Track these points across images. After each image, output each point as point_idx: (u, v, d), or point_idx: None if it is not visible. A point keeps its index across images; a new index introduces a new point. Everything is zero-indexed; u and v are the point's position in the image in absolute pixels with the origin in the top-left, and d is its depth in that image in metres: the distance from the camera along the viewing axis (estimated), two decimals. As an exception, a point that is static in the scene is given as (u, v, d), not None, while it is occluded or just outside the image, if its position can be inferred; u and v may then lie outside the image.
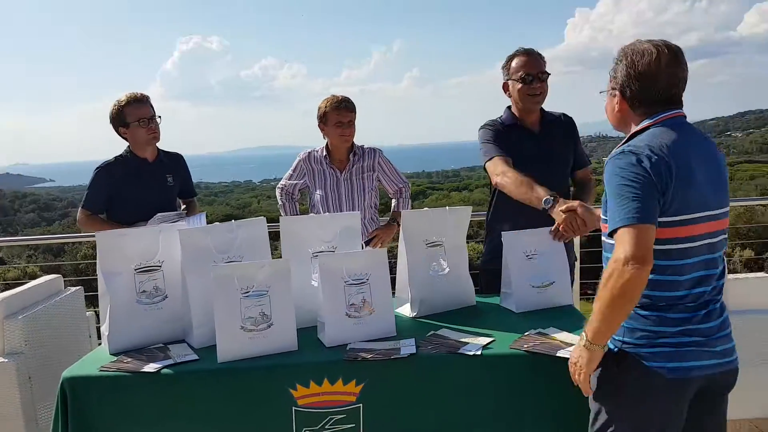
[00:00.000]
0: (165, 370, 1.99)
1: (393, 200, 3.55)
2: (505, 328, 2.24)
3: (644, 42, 1.77)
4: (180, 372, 2.00)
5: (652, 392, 1.69)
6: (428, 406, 2.01)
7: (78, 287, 3.35)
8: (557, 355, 1.97)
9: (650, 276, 1.61)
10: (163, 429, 1.99)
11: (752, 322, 2.92)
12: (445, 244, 2.47)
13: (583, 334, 1.72)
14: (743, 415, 2.96)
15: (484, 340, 2.11)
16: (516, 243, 2.49)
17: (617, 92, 1.80)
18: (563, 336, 2.13)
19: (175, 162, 3.30)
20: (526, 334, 2.16)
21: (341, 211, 3.26)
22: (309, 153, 3.41)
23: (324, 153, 3.34)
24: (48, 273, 3.35)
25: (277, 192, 3.55)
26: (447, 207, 2.50)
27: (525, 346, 2.05)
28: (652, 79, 1.73)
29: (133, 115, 3.03)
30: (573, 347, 1.83)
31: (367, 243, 3.34)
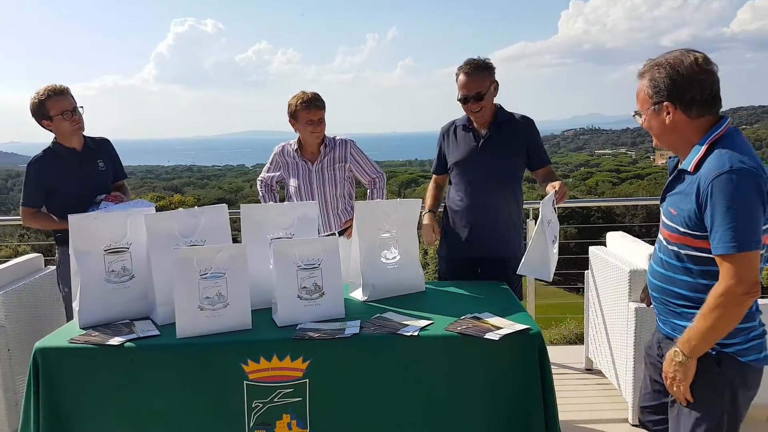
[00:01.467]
0: (128, 344, 2.18)
1: (368, 191, 3.67)
2: (446, 312, 2.42)
3: (670, 53, 1.83)
4: (141, 346, 2.18)
5: (747, 384, 1.83)
6: (369, 382, 2.19)
7: (52, 268, 3.51)
8: (485, 337, 2.16)
9: None
10: (125, 398, 2.17)
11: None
12: (396, 233, 2.65)
13: (677, 350, 1.79)
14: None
15: (423, 323, 2.29)
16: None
17: (666, 103, 1.80)
18: (495, 320, 2.32)
19: (102, 147, 3.33)
20: (462, 317, 2.35)
21: (314, 200, 3.40)
22: (283, 146, 3.57)
23: (296, 146, 3.49)
24: (39, 252, 3.52)
25: (258, 184, 3.75)
26: (398, 199, 2.67)
27: (459, 328, 2.24)
28: (699, 80, 1.76)
29: (56, 108, 3.05)
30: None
31: (341, 233, 3.49)
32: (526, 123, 3.06)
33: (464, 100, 2.96)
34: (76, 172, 3.16)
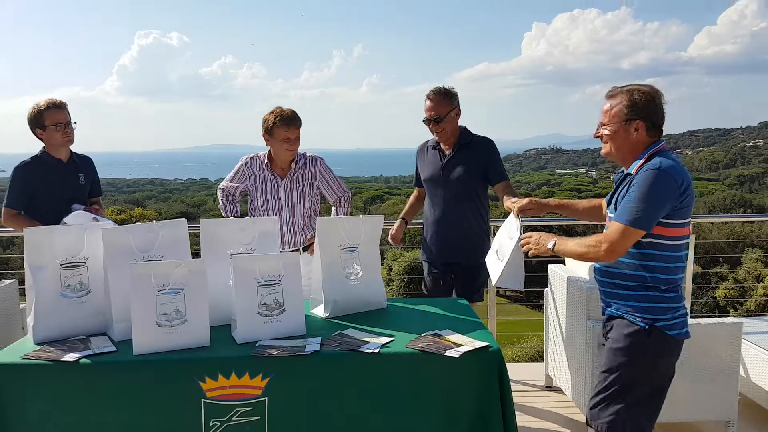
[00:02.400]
0: (83, 360, 2.13)
1: (332, 209, 3.70)
2: (408, 329, 2.43)
3: (640, 84, 2.30)
4: (97, 362, 2.14)
5: (670, 352, 2.29)
6: (329, 400, 2.18)
7: (12, 280, 3.44)
8: (445, 354, 2.18)
9: (674, 264, 2.25)
10: (80, 415, 2.12)
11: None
12: (359, 249, 2.66)
13: (555, 241, 2.33)
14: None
15: (384, 340, 2.30)
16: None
17: (639, 121, 2.24)
18: (455, 337, 2.34)
19: (85, 163, 3.55)
20: (423, 334, 2.37)
21: (281, 215, 3.42)
22: (251, 158, 3.55)
23: (266, 160, 3.48)
24: (-2, 266, 3.45)
25: (219, 192, 3.70)
26: (361, 215, 2.69)
27: (419, 345, 2.25)
28: (662, 109, 2.28)
29: (51, 119, 3.27)
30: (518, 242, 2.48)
31: (306, 248, 3.50)
32: (485, 143, 3.43)
33: (426, 122, 3.38)
34: (58, 181, 3.35)
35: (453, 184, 3.36)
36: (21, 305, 3.46)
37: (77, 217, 3.07)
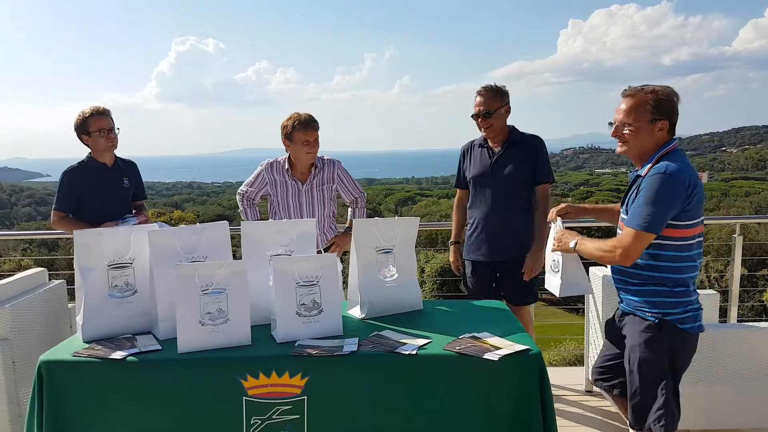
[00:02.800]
0: (130, 358, 2.21)
1: (349, 209, 3.77)
2: (445, 331, 2.44)
3: (661, 86, 2.34)
4: (143, 360, 2.21)
5: (684, 347, 2.35)
6: (366, 400, 2.21)
7: (61, 281, 3.56)
8: (483, 357, 2.18)
9: (684, 263, 2.31)
10: (127, 411, 2.19)
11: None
12: (394, 251, 2.68)
13: (577, 240, 2.44)
14: (682, 425, 3.14)
15: (421, 341, 2.32)
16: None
17: (664, 121, 2.31)
18: (494, 340, 2.34)
19: (130, 168, 3.70)
20: (461, 336, 2.37)
21: (303, 218, 3.48)
22: (271, 163, 3.63)
23: (286, 165, 3.56)
24: (42, 266, 3.63)
25: (238, 198, 3.78)
26: (396, 217, 2.71)
27: (457, 347, 2.26)
28: (678, 111, 2.35)
29: (95, 126, 3.44)
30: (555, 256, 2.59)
31: (326, 249, 3.58)
32: (536, 141, 3.45)
33: (475, 116, 3.42)
34: (104, 184, 3.52)
35: (502, 181, 3.39)
36: (69, 305, 3.59)
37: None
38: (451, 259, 3.71)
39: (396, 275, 2.67)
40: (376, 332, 2.44)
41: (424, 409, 2.21)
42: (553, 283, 2.71)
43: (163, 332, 2.39)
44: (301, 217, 3.49)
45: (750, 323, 3.32)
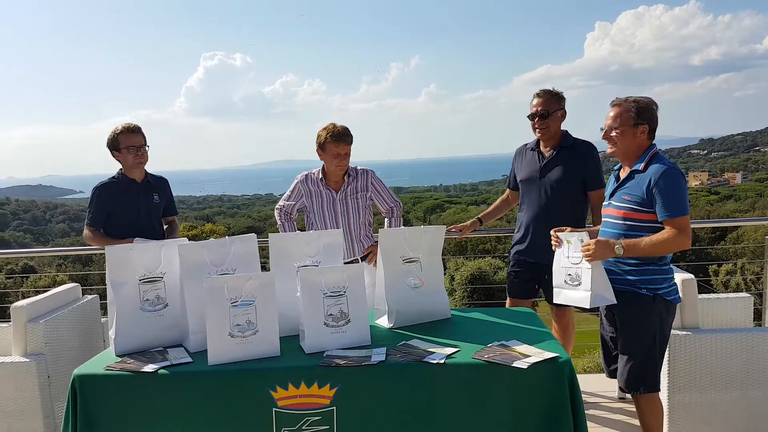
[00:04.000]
0: (162, 371, 2.24)
1: (385, 219, 3.79)
2: (473, 339, 2.43)
3: (640, 96, 2.73)
4: (175, 373, 2.24)
5: (670, 314, 2.73)
6: (395, 409, 2.21)
7: (94, 295, 3.63)
8: (512, 365, 2.17)
9: None
10: (159, 423, 2.23)
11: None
12: (421, 260, 2.68)
13: (620, 245, 2.57)
14: None
15: (449, 350, 2.31)
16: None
17: (645, 126, 2.68)
18: (523, 348, 2.32)
19: (160, 183, 3.75)
20: (489, 345, 2.36)
21: (339, 228, 3.51)
22: (306, 175, 3.69)
23: (320, 175, 3.61)
24: (76, 282, 3.70)
25: (276, 213, 3.83)
26: (422, 226, 2.71)
27: (486, 356, 2.25)
28: (657, 118, 2.72)
29: (125, 143, 3.50)
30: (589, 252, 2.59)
31: (363, 258, 3.59)
32: (587, 147, 3.49)
33: (531, 117, 3.46)
34: (133, 200, 3.56)
35: (550, 184, 3.43)
36: (102, 319, 3.66)
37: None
38: (465, 224, 3.89)
39: (423, 284, 2.67)
40: (404, 341, 2.43)
41: (453, 417, 2.20)
42: (574, 296, 2.69)
43: (193, 345, 2.42)
44: (337, 226, 3.54)
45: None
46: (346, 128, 3.46)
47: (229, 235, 2.60)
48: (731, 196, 49.49)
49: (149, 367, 2.26)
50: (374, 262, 3.42)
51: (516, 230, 3.67)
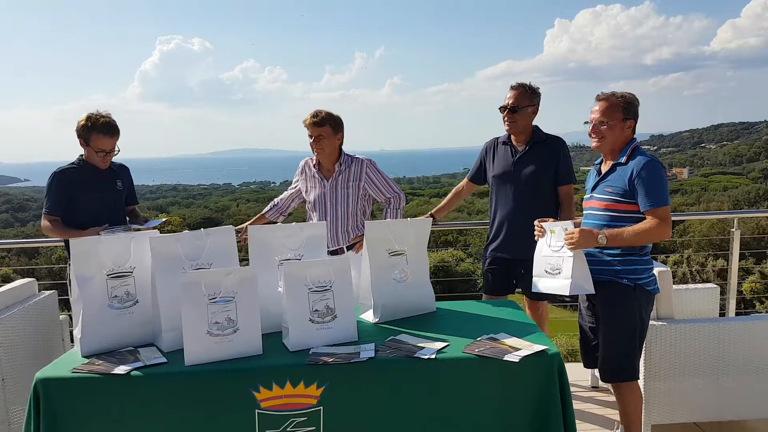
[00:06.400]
0: (134, 373, 2.09)
1: (384, 210, 3.69)
2: (461, 333, 2.37)
3: (625, 92, 2.75)
4: (149, 374, 2.09)
5: (649, 303, 2.77)
6: (385, 407, 2.12)
7: (52, 291, 3.42)
8: (504, 358, 2.11)
9: None
10: (131, 428, 2.08)
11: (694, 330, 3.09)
12: (407, 253, 2.59)
13: (603, 234, 2.57)
14: (689, 418, 3.13)
15: (439, 345, 2.23)
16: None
17: (632, 121, 2.72)
18: (512, 341, 2.27)
19: (122, 170, 3.56)
20: (478, 339, 2.30)
21: (326, 216, 3.46)
22: (306, 161, 3.67)
23: (316, 161, 3.56)
24: (22, 275, 3.45)
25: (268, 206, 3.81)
26: (408, 219, 2.63)
27: (476, 350, 2.18)
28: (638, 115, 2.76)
29: (96, 143, 3.27)
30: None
31: (350, 247, 3.49)
32: (559, 142, 3.48)
33: (501, 109, 3.44)
34: (96, 186, 3.35)
35: (524, 180, 3.40)
36: (60, 316, 3.45)
37: (107, 233, 3.09)
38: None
39: (409, 277, 2.58)
40: (392, 337, 2.35)
41: (444, 413, 2.14)
42: (554, 284, 2.67)
43: (167, 344, 2.28)
44: (325, 214, 3.48)
45: (754, 315, 3.30)
46: (320, 112, 3.41)
47: (185, 226, 2.48)
48: (678, 190, 51.16)
49: (120, 369, 2.10)
50: (360, 252, 3.35)
51: (490, 227, 3.61)
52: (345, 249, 3.47)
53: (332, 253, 3.43)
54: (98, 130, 3.24)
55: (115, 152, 3.37)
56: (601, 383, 3.83)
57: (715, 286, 3.74)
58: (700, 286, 3.76)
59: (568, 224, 2.63)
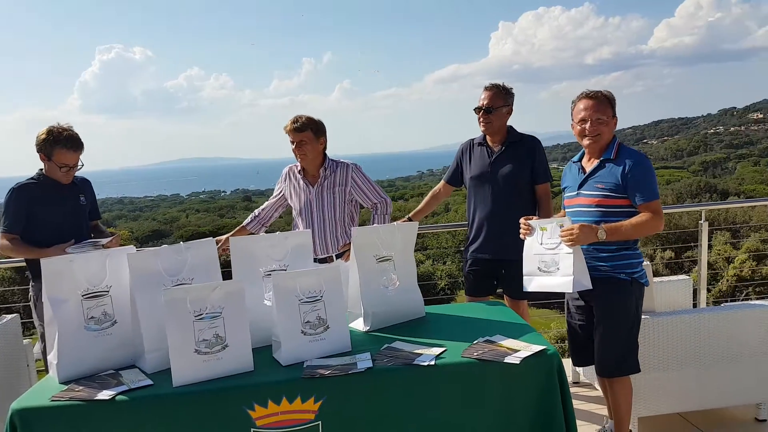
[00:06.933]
0: (120, 397, 1.97)
1: (371, 215, 3.63)
2: (456, 337, 2.33)
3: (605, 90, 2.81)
4: (135, 398, 1.97)
5: (642, 296, 2.81)
6: (386, 417, 2.06)
7: (14, 315, 3.23)
8: (505, 361, 2.08)
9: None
10: (120, 457, 1.96)
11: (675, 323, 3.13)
12: (394, 258, 2.54)
13: (603, 229, 2.57)
14: (674, 409, 3.18)
15: (437, 350, 2.18)
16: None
17: (616, 118, 2.78)
18: (509, 342, 2.24)
19: (85, 185, 3.42)
20: (475, 342, 2.26)
21: (313, 223, 3.39)
22: (290, 167, 3.58)
23: (300, 167, 3.48)
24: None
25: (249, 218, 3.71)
26: (396, 223, 2.57)
27: (475, 353, 2.14)
28: None
29: (59, 157, 3.11)
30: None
31: (339, 256, 3.42)
32: (534, 142, 3.48)
33: (476, 110, 3.44)
34: (59, 202, 3.19)
35: (501, 180, 3.40)
36: (24, 341, 3.26)
37: (75, 249, 2.94)
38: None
39: (398, 283, 2.53)
40: (386, 345, 2.29)
41: (447, 419, 2.09)
42: (552, 282, 2.62)
43: (150, 365, 2.16)
44: (312, 221, 3.40)
45: (730, 305, 3.38)
46: (300, 117, 3.34)
47: (134, 240, 2.38)
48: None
49: (104, 394, 1.98)
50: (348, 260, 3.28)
51: (469, 229, 3.59)
52: (334, 257, 3.39)
53: (321, 261, 3.35)
54: (62, 144, 3.08)
55: (79, 167, 3.21)
56: (582, 378, 3.86)
57: (688, 277, 3.83)
58: (673, 278, 3.84)
59: (565, 221, 2.61)
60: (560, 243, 2.57)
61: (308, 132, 3.31)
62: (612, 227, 2.60)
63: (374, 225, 3.28)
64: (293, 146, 3.34)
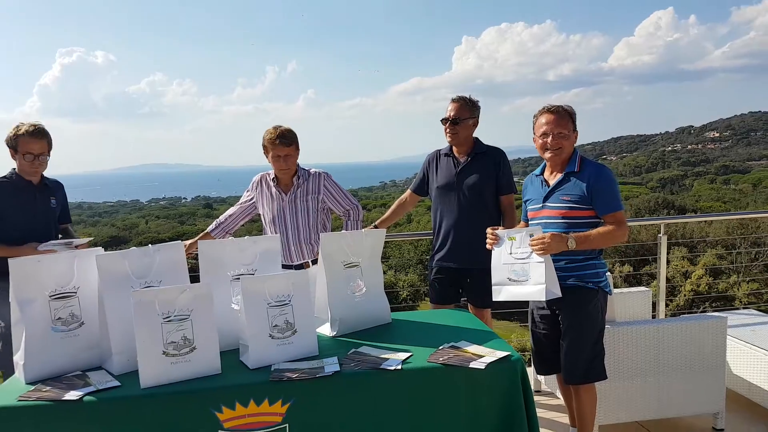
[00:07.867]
0: (87, 398, 1.96)
1: (344, 222, 3.68)
2: (421, 343, 2.38)
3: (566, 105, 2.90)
4: (103, 399, 1.97)
5: (606, 305, 2.91)
6: (353, 421, 2.09)
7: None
8: (470, 366, 2.14)
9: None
10: (86, 458, 1.95)
11: (634, 332, 3.25)
12: (361, 264, 2.59)
13: (572, 238, 2.67)
14: (633, 417, 3.28)
15: (403, 355, 2.24)
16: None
17: (576, 132, 2.86)
18: (474, 348, 2.30)
19: (57, 187, 3.46)
20: (440, 347, 2.32)
21: (287, 231, 3.44)
22: (262, 176, 3.61)
23: (273, 175, 3.51)
24: None
25: (211, 226, 3.71)
26: (363, 230, 2.62)
27: (441, 359, 2.20)
28: None
29: (24, 147, 3.18)
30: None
31: (315, 262, 3.42)
32: (499, 153, 3.57)
33: (443, 121, 3.51)
34: (29, 202, 3.24)
35: (467, 190, 3.47)
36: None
37: (48, 247, 2.93)
38: None
39: (364, 289, 2.58)
40: (353, 349, 2.33)
41: (413, 424, 2.13)
42: (523, 291, 2.66)
43: (117, 367, 2.16)
44: (286, 229, 3.45)
45: (688, 316, 3.52)
46: (286, 130, 3.38)
47: (93, 246, 2.43)
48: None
49: (72, 395, 1.97)
50: None
51: (434, 238, 3.65)
52: (311, 263, 3.43)
53: (298, 267, 3.38)
54: (24, 133, 3.15)
55: (46, 158, 3.24)
56: (544, 387, 3.95)
57: (648, 289, 3.97)
58: (633, 289, 3.98)
59: (536, 230, 2.67)
60: (531, 252, 2.63)
61: (293, 146, 3.38)
62: (581, 236, 2.70)
63: (343, 231, 3.33)
64: (277, 159, 3.37)
